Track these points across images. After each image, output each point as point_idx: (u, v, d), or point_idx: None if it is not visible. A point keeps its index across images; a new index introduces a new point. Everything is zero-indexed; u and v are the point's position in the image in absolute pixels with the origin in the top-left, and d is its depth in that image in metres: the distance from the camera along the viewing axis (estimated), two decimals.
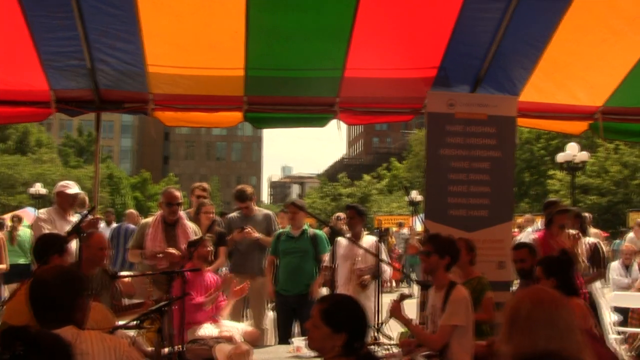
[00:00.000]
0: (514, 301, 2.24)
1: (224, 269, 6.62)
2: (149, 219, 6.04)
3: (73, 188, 5.88)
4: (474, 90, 6.06)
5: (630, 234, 11.90)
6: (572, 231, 6.07)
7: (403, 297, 4.21)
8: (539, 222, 8.18)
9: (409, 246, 15.41)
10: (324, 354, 2.70)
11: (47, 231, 5.31)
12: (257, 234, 6.38)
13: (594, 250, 6.48)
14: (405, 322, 4.12)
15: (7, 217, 12.84)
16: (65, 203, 5.81)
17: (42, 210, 6.16)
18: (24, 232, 10.73)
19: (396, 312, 4.12)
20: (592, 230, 9.15)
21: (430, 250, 4.16)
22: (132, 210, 12.73)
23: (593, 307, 6.20)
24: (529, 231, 7.59)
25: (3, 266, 8.90)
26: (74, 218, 5.82)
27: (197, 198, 6.74)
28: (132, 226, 10.94)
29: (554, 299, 2.18)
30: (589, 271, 6.32)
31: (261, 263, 6.49)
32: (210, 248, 5.31)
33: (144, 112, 5.91)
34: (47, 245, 4.33)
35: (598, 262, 6.49)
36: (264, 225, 6.54)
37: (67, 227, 5.52)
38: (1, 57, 5.15)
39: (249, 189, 6.72)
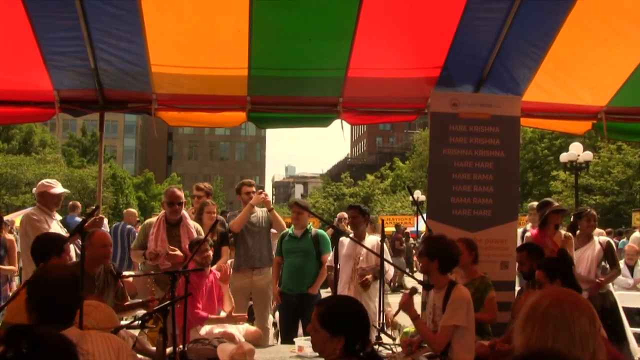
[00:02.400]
0: (536, 297, 2.18)
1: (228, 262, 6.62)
2: (152, 219, 6.03)
3: (57, 187, 5.70)
4: (478, 90, 6.05)
5: (635, 233, 11.86)
6: (568, 233, 6.07)
7: (414, 290, 4.20)
8: (528, 225, 8.15)
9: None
10: (326, 357, 2.70)
11: (44, 231, 5.26)
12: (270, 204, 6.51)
13: (609, 248, 6.44)
14: (414, 317, 4.12)
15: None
16: (50, 203, 5.64)
17: (32, 210, 5.98)
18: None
19: (406, 305, 4.13)
20: (597, 230, 9.10)
21: (422, 252, 4.24)
22: (132, 210, 12.65)
23: (614, 309, 6.18)
24: (527, 229, 7.54)
25: (13, 267, 8.89)
26: (59, 217, 5.74)
27: (197, 198, 6.80)
28: (129, 226, 10.94)
29: (576, 302, 2.11)
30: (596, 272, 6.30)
31: (268, 255, 6.47)
32: (208, 253, 5.24)
33: (148, 112, 5.90)
34: (46, 245, 4.25)
35: (613, 260, 6.45)
36: (266, 219, 6.54)
37: (55, 226, 5.49)
38: (5, 57, 5.16)
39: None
